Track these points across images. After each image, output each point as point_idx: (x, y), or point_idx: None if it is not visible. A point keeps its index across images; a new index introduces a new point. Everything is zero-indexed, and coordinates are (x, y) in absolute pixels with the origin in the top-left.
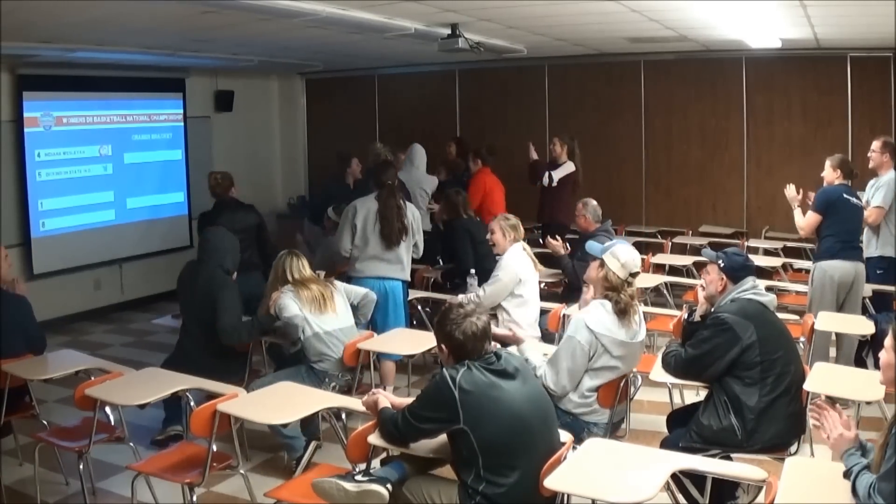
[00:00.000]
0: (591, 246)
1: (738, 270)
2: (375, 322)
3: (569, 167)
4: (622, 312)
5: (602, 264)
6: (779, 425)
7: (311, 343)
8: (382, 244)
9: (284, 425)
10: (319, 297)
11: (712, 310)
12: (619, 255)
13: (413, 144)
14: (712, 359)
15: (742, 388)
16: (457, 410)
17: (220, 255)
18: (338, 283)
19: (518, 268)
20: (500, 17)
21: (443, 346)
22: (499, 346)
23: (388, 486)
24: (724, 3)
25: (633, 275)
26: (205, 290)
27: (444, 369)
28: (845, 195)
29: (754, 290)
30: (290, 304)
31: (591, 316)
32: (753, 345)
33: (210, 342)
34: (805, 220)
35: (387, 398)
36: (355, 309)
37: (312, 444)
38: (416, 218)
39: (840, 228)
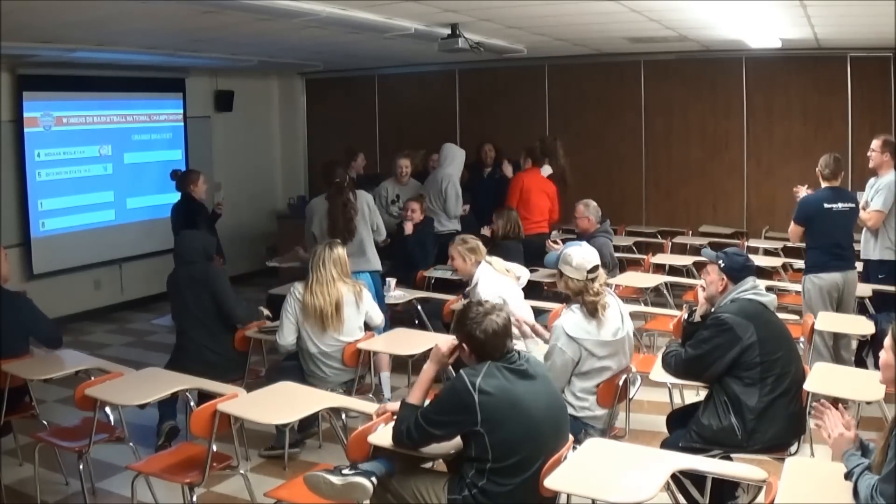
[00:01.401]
0: (548, 260)
1: (738, 271)
2: None
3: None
4: (591, 313)
5: (561, 274)
6: (779, 425)
7: (304, 357)
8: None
9: (284, 424)
10: (328, 312)
11: (712, 310)
12: (571, 259)
13: (445, 144)
14: (712, 359)
15: (742, 389)
16: (475, 413)
17: (196, 254)
18: (366, 295)
19: (497, 290)
20: (500, 17)
21: (464, 346)
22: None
23: (373, 479)
24: (724, 3)
25: (592, 271)
26: (194, 288)
27: (462, 372)
28: (826, 204)
29: (755, 290)
30: (287, 322)
31: (568, 322)
32: (753, 345)
33: (212, 342)
34: (790, 230)
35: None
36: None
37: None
38: (370, 205)
39: (824, 241)
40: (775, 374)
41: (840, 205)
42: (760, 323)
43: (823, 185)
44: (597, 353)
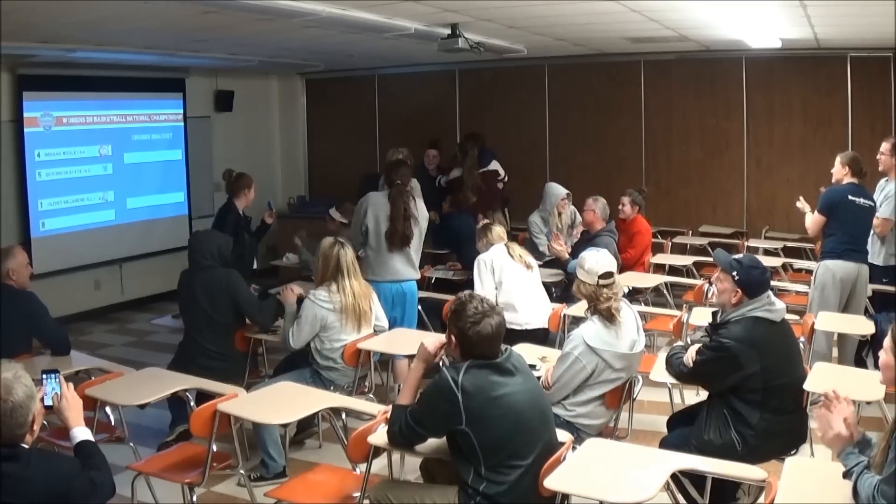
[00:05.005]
0: (570, 267)
1: (754, 286)
2: (392, 324)
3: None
4: (608, 319)
5: (577, 278)
6: (780, 441)
7: (328, 357)
8: (392, 246)
9: (284, 425)
10: (364, 306)
11: (719, 320)
12: (584, 263)
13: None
14: (712, 379)
15: (743, 406)
16: (459, 413)
17: (210, 256)
18: (371, 290)
19: (490, 259)
20: (500, 17)
21: (453, 338)
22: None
23: None
24: (724, 3)
25: (604, 276)
26: (211, 292)
27: (445, 370)
28: (850, 196)
29: (767, 306)
30: (308, 328)
31: (588, 332)
32: (756, 373)
33: (217, 344)
34: (810, 221)
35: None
36: None
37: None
38: (424, 217)
39: (844, 230)
40: (778, 395)
41: (862, 200)
42: (766, 350)
43: (846, 180)
44: (614, 365)
